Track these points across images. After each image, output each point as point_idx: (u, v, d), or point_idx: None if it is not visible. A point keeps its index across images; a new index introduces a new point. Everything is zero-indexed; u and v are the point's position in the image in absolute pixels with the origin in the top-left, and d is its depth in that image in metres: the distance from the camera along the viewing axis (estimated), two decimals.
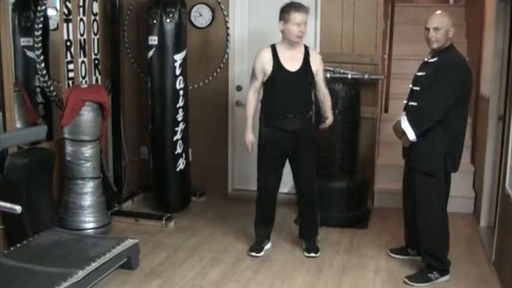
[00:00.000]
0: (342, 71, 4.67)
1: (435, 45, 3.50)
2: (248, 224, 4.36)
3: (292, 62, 3.83)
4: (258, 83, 3.90)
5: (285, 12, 3.77)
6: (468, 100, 3.60)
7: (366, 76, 4.73)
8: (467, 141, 5.26)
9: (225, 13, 5.12)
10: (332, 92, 4.54)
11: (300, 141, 3.92)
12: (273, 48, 3.87)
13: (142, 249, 3.86)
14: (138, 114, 5.34)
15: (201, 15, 5.18)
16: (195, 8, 5.17)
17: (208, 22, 5.17)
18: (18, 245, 3.48)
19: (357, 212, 4.70)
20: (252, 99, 3.92)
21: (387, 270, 3.80)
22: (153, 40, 4.63)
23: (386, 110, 5.55)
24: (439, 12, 3.58)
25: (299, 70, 3.84)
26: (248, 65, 4.99)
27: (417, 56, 4.20)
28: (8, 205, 2.48)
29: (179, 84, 4.72)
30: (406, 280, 3.60)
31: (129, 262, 3.66)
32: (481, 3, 5.13)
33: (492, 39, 4.38)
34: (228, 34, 5.14)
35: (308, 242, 4.10)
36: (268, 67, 3.83)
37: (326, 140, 4.62)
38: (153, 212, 4.86)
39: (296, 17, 3.72)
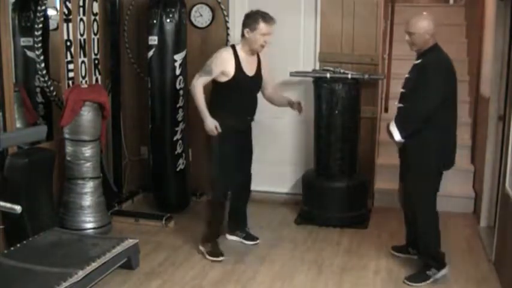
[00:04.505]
0: (342, 71, 4.67)
1: (413, 48, 3.59)
2: (248, 224, 4.36)
3: (250, 67, 3.88)
4: (209, 79, 3.83)
5: (252, 20, 3.75)
6: (455, 99, 3.61)
7: (366, 76, 4.72)
8: (467, 141, 5.27)
9: (225, 13, 5.12)
10: (332, 92, 4.56)
11: (249, 138, 4.09)
12: (234, 50, 3.85)
13: (142, 249, 3.86)
14: (138, 114, 5.34)
15: (201, 15, 5.18)
16: (195, 8, 5.17)
17: (208, 22, 5.17)
18: (18, 245, 3.48)
19: (357, 212, 4.70)
20: (201, 91, 3.80)
21: (387, 270, 3.80)
22: (153, 40, 4.63)
23: (386, 110, 5.54)
24: (419, 16, 3.58)
25: (255, 75, 3.92)
26: None
27: None
28: (8, 205, 2.48)
29: (179, 84, 4.72)
30: (406, 281, 3.60)
31: (129, 262, 3.67)
32: (481, 3, 5.13)
33: (492, 39, 4.38)
34: (228, 34, 5.14)
35: (245, 232, 4.25)
36: (230, 69, 3.80)
37: (326, 139, 4.62)
38: (153, 212, 4.86)
39: (264, 27, 3.72)
